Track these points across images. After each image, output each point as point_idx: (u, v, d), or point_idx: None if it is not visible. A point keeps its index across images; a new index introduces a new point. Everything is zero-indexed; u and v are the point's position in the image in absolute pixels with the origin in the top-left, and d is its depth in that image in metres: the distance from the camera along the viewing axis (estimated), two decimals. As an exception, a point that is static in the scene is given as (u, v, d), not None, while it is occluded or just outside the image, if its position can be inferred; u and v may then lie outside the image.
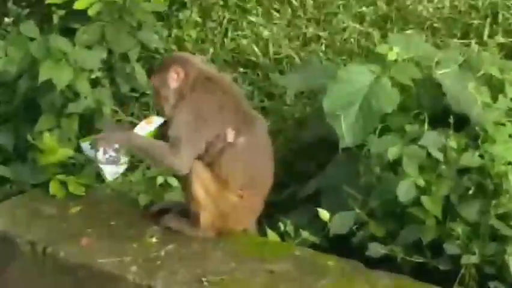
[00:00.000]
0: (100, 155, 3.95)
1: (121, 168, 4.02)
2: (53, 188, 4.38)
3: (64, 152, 4.48)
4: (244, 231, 4.05)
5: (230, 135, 3.91)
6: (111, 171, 4.01)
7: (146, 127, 4.00)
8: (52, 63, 4.63)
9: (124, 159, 3.99)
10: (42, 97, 4.72)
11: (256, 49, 5.74)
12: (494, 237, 3.87)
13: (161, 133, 3.98)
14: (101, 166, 3.98)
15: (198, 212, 3.94)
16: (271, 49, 5.73)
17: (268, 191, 4.06)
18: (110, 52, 5.12)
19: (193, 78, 3.95)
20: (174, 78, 3.97)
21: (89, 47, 4.97)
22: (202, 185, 3.90)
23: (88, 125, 4.84)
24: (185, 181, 3.94)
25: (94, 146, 3.97)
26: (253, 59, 5.73)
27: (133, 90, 5.28)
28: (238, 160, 3.91)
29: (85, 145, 4.05)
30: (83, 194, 4.36)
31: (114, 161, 3.96)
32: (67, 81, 4.62)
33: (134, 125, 5.19)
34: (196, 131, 3.88)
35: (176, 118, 3.92)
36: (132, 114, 5.31)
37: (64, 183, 4.39)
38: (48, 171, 4.45)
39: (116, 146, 3.94)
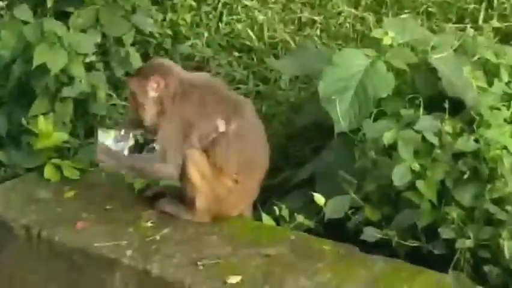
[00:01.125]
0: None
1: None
2: (48, 172, 4.37)
3: (59, 136, 4.47)
4: (240, 215, 4.05)
5: (221, 125, 3.92)
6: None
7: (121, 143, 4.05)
8: (46, 47, 4.61)
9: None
10: (36, 81, 4.70)
11: (251, 33, 5.73)
12: (489, 221, 3.88)
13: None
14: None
15: (194, 197, 3.94)
16: (266, 33, 5.72)
17: (264, 175, 4.06)
18: (104, 36, 5.10)
19: (173, 89, 3.96)
20: (154, 88, 3.97)
21: (83, 31, 4.95)
22: (198, 170, 3.91)
23: (83, 109, 4.83)
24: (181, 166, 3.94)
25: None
26: (248, 43, 5.73)
27: (127, 74, 5.25)
28: (231, 148, 3.92)
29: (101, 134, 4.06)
30: (78, 178, 4.35)
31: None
32: (62, 65, 4.60)
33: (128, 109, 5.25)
34: (183, 137, 3.89)
35: (161, 129, 3.94)
36: (126, 99, 5.29)
37: (58, 167, 4.38)
38: (43, 156, 4.44)
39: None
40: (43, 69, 4.59)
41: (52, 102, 4.71)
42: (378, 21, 5.53)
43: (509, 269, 3.74)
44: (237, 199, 3.99)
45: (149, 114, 3.99)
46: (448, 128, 4.03)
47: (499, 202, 3.87)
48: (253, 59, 5.64)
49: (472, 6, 5.58)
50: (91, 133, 4.84)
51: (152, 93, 3.98)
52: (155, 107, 3.97)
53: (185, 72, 4.10)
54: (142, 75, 4.03)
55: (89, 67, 4.89)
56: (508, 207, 3.83)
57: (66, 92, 4.69)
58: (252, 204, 4.15)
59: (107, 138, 4.05)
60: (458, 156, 3.98)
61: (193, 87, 3.99)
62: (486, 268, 3.78)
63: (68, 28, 4.78)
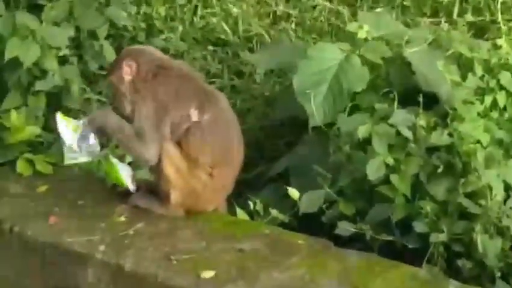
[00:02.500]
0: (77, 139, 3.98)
1: (83, 159, 4.00)
2: (21, 166, 4.34)
3: (32, 130, 4.44)
4: (214, 210, 4.04)
5: (194, 115, 3.90)
6: (72, 156, 3.99)
7: (129, 178, 4.02)
8: (19, 40, 4.56)
9: (95, 150, 3.99)
10: (8, 75, 4.64)
11: (225, 27, 5.71)
12: (463, 215, 3.89)
13: None
14: (64, 148, 3.96)
15: (168, 191, 3.92)
16: (240, 27, 5.71)
17: (239, 169, 4.04)
18: (78, 29, 5.05)
19: (145, 69, 3.94)
20: (128, 72, 3.95)
21: (56, 24, 4.89)
22: (172, 164, 3.89)
23: (56, 103, 4.79)
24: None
25: (89, 128, 3.97)
26: (223, 36, 5.71)
27: (101, 68, 5.22)
28: (205, 137, 3.90)
29: (60, 119, 4.02)
30: (51, 172, 4.32)
31: (90, 152, 3.98)
32: (34, 59, 4.55)
33: (102, 103, 5.22)
34: (158, 120, 3.87)
35: (137, 112, 3.91)
36: (100, 93, 5.27)
37: (31, 162, 4.35)
38: (15, 150, 4.40)
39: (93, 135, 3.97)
40: (15, 62, 4.54)
41: (25, 96, 4.67)
42: (353, 15, 5.53)
43: (482, 262, 3.76)
44: (211, 194, 3.98)
45: (128, 100, 3.96)
46: (422, 122, 4.04)
47: (472, 196, 3.89)
48: (227, 52, 5.62)
49: (446, 0, 5.59)
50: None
51: (127, 77, 3.95)
52: (131, 90, 3.94)
53: (161, 55, 4.08)
54: (115, 64, 4.04)
55: (63, 61, 4.84)
56: (481, 201, 3.84)
57: (39, 85, 4.65)
58: (227, 198, 4.13)
59: (67, 126, 4.02)
60: (432, 150, 3.99)
61: (168, 69, 3.97)
62: (459, 262, 3.80)
63: (41, 21, 4.73)
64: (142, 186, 4.08)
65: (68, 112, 4.80)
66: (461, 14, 5.44)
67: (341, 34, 5.37)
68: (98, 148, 4.02)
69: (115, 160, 4.01)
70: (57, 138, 4.16)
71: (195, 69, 4.64)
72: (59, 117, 4.05)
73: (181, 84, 3.94)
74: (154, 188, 3.99)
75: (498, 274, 3.74)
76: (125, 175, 3.99)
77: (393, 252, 3.86)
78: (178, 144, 3.90)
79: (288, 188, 4.11)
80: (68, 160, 4.01)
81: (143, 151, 3.89)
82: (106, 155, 4.02)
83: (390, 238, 3.94)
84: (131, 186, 4.01)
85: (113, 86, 4.02)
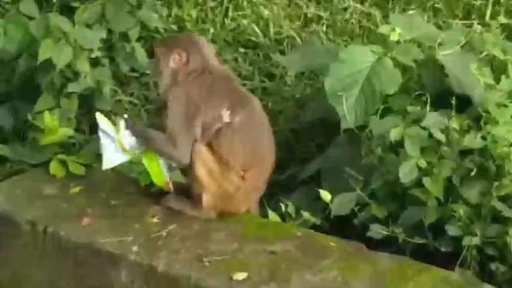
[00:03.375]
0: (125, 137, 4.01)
1: (120, 159, 4.02)
2: (53, 167, 4.36)
3: (64, 132, 4.47)
4: (246, 212, 4.04)
5: (226, 116, 3.91)
6: (110, 159, 4.01)
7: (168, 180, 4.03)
8: (52, 42, 4.60)
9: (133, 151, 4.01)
10: (41, 77, 4.69)
11: (256, 29, 5.71)
12: (496, 218, 3.87)
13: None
14: (103, 151, 3.98)
15: (200, 193, 3.93)
16: (271, 29, 5.71)
17: (270, 171, 4.05)
18: (110, 31, 5.09)
19: (192, 66, 3.95)
20: (176, 60, 3.96)
21: (89, 26, 4.94)
22: (205, 166, 3.90)
23: (88, 104, 4.82)
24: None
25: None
26: (254, 39, 5.71)
27: (133, 70, 5.25)
28: (236, 139, 3.91)
29: (101, 117, 4.05)
30: (84, 173, 4.34)
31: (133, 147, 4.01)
32: (67, 61, 4.60)
33: (134, 104, 5.24)
34: (190, 118, 3.88)
35: (169, 108, 3.92)
36: (132, 95, 5.29)
37: (64, 163, 4.37)
38: (48, 151, 4.43)
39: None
40: (48, 64, 4.58)
41: (57, 97, 4.71)
42: (385, 17, 5.51)
43: (516, 266, 3.74)
44: (243, 196, 3.98)
45: (164, 83, 4.00)
46: (454, 124, 4.02)
47: (506, 199, 3.87)
48: (259, 54, 5.62)
49: (478, 2, 5.56)
50: (96, 129, 4.83)
51: (172, 65, 3.97)
52: (171, 79, 3.97)
53: (210, 54, 4.09)
54: (168, 45, 4.04)
55: (95, 63, 4.87)
56: (515, 205, 3.82)
57: (71, 87, 4.68)
58: (258, 200, 4.13)
59: (108, 124, 4.05)
60: (465, 153, 3.98)
61: (210, 71, 3.98)
62: (493, 266, 3.78)
63: (74, 23, 4.77)
64: (176, 188, 4.09)
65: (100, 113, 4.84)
66: (493, 16, 5.41)
67: (373, 36, 5.36)
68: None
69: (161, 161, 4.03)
70: (95, 140, 4.19)
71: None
72: (100, 116, 4.06)
73: (215, 84, 3.95)
74: (186, 190, 4.00)
75: (532, 278, 3.72)
76: (165, 172, 4.01)
77: (425, 255, 3.85)
78: (209, 146, 3.91)
79: (319, 190, 4.10)
80: (107, 164, 4.02)
81: (174, 152, 3.91)
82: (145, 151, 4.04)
83: (422, 241, 3.92)
84: (170, 185, 4.02)
85: (157, 61, 4.03)
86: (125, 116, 4.11)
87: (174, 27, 5.68)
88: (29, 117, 4.55)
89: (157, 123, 4.03)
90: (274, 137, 4.09)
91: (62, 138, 4.47)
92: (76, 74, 4.70)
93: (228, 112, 3.92)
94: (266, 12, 5.79)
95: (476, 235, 3.81)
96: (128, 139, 4.02)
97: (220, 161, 3.91)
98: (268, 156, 4.04)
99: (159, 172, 4.01)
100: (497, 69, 4.27)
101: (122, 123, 4.03)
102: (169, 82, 3.98)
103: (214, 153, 3.91)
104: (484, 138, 3.96)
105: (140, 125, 4.12)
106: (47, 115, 4.45)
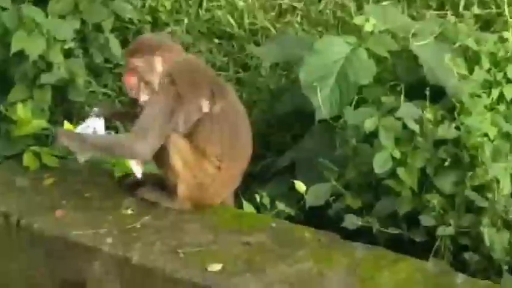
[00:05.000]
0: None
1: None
2: (27, 159, 4.33)
3: (37, 124, 4.44)
4: (221, 203, 4.03)
5: (205, 106, 3.90)
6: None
7: (137, 167, 3.99)
8: (25, 33, 4.57)
9: None
10: (14, 68, 4.66)
11: (231, 20, 5.70)
12: (470, 208, 3.89)
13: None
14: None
15: (175, 184, 3.92)
16: (246, 20, 5.70)
17: (247, 162, 4.04)
18: (83, 22, 5.05)
19: (174, 62, 3.92)
20: (160, 62, 3.91)
21: (62, 17, 4.90)
22: (180, 156, 3.88)
23: (62, 96, 4.79)
24: (161, 153, 3.91)
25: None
26: (229, 30, 5.70)
27: (106, 61, 5.22)
28: (214, 129, 3.90)
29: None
30: (57, 165, 4.32)
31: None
32: (40, 52, 4.57)
33: (107, 96, 5.21)
34: (170, 114, 3.84)
35: (149, 106, 3.87)
36: (106, 86, 5.27)
37: (37, 155, 4.34)
38: (21, 143, 4.41)
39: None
40: (21, 55, 4.55)
41: (30, 89, 4.67)
42: (359, 8, 5.52)
43: (489, 256, 3.76)
44: (219, 187, 3.97)
45: (150, 90, 3.91)
46: (428, 115, 4.04)
47: (479, 189, 3.89)
48: (233, 45, 5.61)
49: (452, -7, 5.58)
50: (70, 120, 4.80)
51: (159, 68, 3.92)
52: (159, 81, 3.90)
53: (181, 49, 4.07)
54: (146, 51, 3.93)
55: (68, 54, 4.84)
56: (489, 195, 3.84)
57: (44, 78, 4.65)
58: (233, 191, 4.13)
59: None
60: (439, 143, 3.99)
61: (188, 65, 3.96)
62: (466, 255, 3.80)
63: (47, 14, 4.73)
64: (150, 179, 4.07)
65: (73, 104, 4.83)
66: (467, 7, 5.43)
67: (347, 27, 5.36)
68: None
69: None
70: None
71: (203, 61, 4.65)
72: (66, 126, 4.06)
73: (195, 75, 3.93)
74: (161, 182, 3.99)
75: (505, 267, 3.74)
76: (134, 167, 3.99)
77: (399, 245, 3.86)
78: (187, 136, 3.89)
79: (294, 181, 4.10)
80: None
81: (138, 148, 3.82)
82: None
83: (396, 231, 3.94)
84: (138, 173, 4.00)
85: (137, 73, 3.94)
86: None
87: (148, 18, 5.66)
88: (2, 108, 4.51)
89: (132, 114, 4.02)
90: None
91: (35, 129, 4.44)
92: (49, 65, 4.67)
93: (207, 102, 3.90)
94: (241, 3, 5.78)
95: (450, 225, 3.83)
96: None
97: (197, 152, 3.90)
98: (246, 148, 4.03)
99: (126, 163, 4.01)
100: (471, 59, 4.28)
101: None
102: (155, 86, 3.92)
103: (191, 144, 3.89)
104: (457, 128, 3.97)
105: (84, 135, 3.98)
106: (20, 106, 4.42)
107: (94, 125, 4.02)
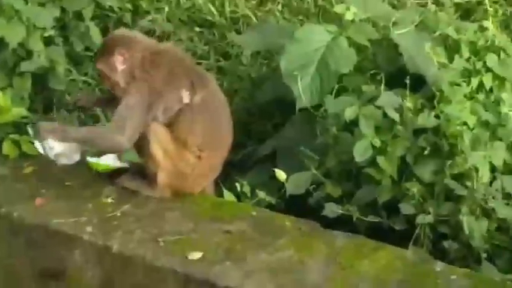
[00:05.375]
0: (49, 151, 3.94)
1: (72, 161, 3.99)
2: (6, 147, 4.31)
3: (17, 112, 4.41)
4: (202, 191, 4.03)
5: (185, 96, 3.89)
6: (61, 160, 3.99)
7: (116, 161, 4.03)
8: (4, 20, 4.54)
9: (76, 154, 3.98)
10: (-7, 55, 4.64)
11: (212, 8, 5.69)
12: (449, 197, 3.91)
13: None
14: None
15: (155, 172, 3.91)
16: (227, 8, 5.68)
17: (228, 151, 4.04)
18: (63, 10, 5.03)
19: (140, 56, 3.91)
20: (120, 61, 3.91)
21: (42, 5, 4.86)
22: (160, 145, 3.87)
23: (42, 84, 4.77)
24: (142, 141, 3.90)
25: (40, 140, 3.93)
26: (209, 18, 5.68)
27: (87, 49, 5.20)
28: (195, 119, 3.89)
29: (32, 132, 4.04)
30: (37, 154, 4.29)
31: (65, 156, 3.97)
32: (20, 39, 4.54)
33: (88, 84, 5.19)
34: (149, 106, 3.84)
35: (127, 96, 3.87)
36: (86, 74, 5.24)
37: (17, 143, 4.32)
38: (1, 131, 4.38)
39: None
40: (1, 43, 4.52)
41: (10, 77, 4.65)
42: (340, -3, 5.52)
43: (468, 244, 3.78)
44: (199, 176, 3.97)
45: (122, 87, 3.92)
46: (409, 104, 4.05)
47: (458, 178, 3.91)
48: (214, 34, 5.60)
49: (433, -19, 5.59)
50: (50, 108, 4.79)
51: (120, 67, 3.92)
52: (125, 79, 3.92)
53: (150, 40, 4.06)
54: (106, 52, 3.96)
55: (48, 41, 4.82)
56: (468, 183, 3.86)
57: (24, 66, 4.62)
58: (214, 180, 4.13)
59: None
60: (418, 132, 4.01)
61: (161, 54, 3.94)
62: (446, 243, 3.82)
63: (26, 1, 4.70)
64: (130, 167, 4.07)
65: (53, 93, 4.80)
66: (448, -5, 5.44)
67: (328, 16, 5.36)
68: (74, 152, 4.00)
69: (93, 160, 4.00)
70: (48, 119, 4.15)
71: (183, 50, 4.63)
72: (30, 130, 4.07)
73: (173, 66, 3.92)
74: (141, 170, 3.98)
75: (484, 255, 3.76)
76: (111, 164, 3.98)
77: (379, 233, 3.88)
78: (168, 125, 3.88)
79: (275, 169, 4.11)
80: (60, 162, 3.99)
81: (117, 138, 3.82)
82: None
83: (376, 220, 3.95)
84: (124, 164, 3.99)
85: (103, 73, 3.98)
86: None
87: (129, 5, 5.63)
88: (-19, 96, 4.49)
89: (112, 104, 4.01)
90: (231, 117, 4.08)
91: (15, 118, 4.41)
92: (29, 53, 4.64)
93: (188, 93, 3.89)
94: (222, -9, 5.76)
95: (430, 213, 3.84)
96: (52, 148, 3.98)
97: (177, 141, 3.89)
98: (226, 137, 4.03)
99: (105, 168, 4.00)
100: (451, 48, 4.30)
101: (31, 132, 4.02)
102: (125, 82, 3.92)
103: (172, 134, 3.89)
104: (437, 117, 3.99)
105: (67, 125, 4.04)
106: (-1, 95, 4.40)
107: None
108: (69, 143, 3.93)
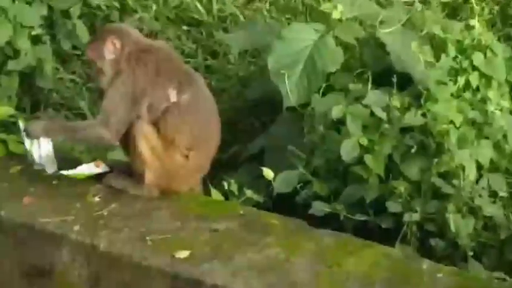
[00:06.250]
0: (36, 156, 3.99)
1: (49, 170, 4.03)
2: (-7, 146, 4.31)
3: (5, 110, 4.41)
4: (189, 190, 4.03)
5: (172, 95, 3.89)
6: (51, 167, 4.02)
7: (92, 168, 4.02)
8: (-9, 19, 4.54)
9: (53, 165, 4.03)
10: (-20, 54, 4.63)
11: (199, 6, 5.69)
12: (436, 195, 3.93)
13: None
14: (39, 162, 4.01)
15: (143, 171, 3.91)
16: (215, 6, 5.69)
17: (215, 150, 4.04)
18: (50, 8, 5.02)
19: (129, 50, 3.91)
20: (110, 50, 3.92)
21: (28, 3, 4.86)
22: (148, 144, 3.87)
23: (29, 82, 4.76)
24: (129, 140, 3.90)
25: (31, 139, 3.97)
26: (197, 16, 5.68)
27: (74, 47, 5.19)
28: (183, 118, 3.89)
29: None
30: (24, 153, 4.29)
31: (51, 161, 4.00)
32: (6, 38, 4.54)
33: (75, 82, 5.19)
34: (134, 101, 3.85)
35: (111, 90, 3.89)
36: (74, 72, 5.24)
37: (4, 142, 4.31)
38: (-12, 130, 4.38)
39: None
40: (-13, 42, 4.52)
41: (-3, 75, 4.64)
42: (327, -5, 5.52)
43: (455, 242, 3.80)
44: (186, 175, 3.97)
45: (107, 77, 3.93)
46: (395, 102, 4.06)
47: (445, 176, 3.93)
48: (202, 32, 5.60)
49: (419, -20, 5.60)
50: (37, 107, 4.78)
51: (109, 55, 3.92)
52: (112, 70, 3.92)
53: (141, 36, 4.07)
54: (97, 39, 3.98)
55: (35, 40, 4.81)
56: (454, 181, 3.88)
57: (11, 65, 4.62)
58: (202, 178, 4.13)
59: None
60: (405, 130, 4.02)
61: (149, 51, 3.95)
62: (432, 241, 3.84)
63: (13, 0, 4.69)
64: (117, 166, 4.06)
65: (41, 91, 4.80)
66: (434, -6, 5.45)
67: (315, 14, 5.37)
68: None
69: (68, 173, 4.00)
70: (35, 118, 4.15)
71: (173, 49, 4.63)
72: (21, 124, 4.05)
73: (160, 65, 3.92)
74: (129, 169, 3.98)
75: (470, 253, 3.79)
76: (88, 172, 3.99)
77: (367, 232, 3.89)
78: (155, 124, 3.89)
79: (262, 168, 4.11)
80: (50, 170, 4.03)
81: (103, 131, 3.86)
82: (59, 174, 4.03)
83: (364, 218, 3.97)
84: (101, 170, 4.01)
85: (90, 59, 3.98)
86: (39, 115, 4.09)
87: (116, 4, 5.62)
88: (-32, 95, 4.48)
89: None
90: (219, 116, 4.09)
91: (2, 117, 4.40)
92: (16, 52, 4.64)
93: (175, 91, 3.90)
94: (209, -11, 5.76)
95: (416, 211, 3.86)
96: (40, 149, 4.00)
97: (165, 140, 3.89)
98: (214, 136, 4.03)
99: (84, 177, 4.02)
100: (437, 47, 4.31)
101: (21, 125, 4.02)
102: (112, 73, 3.92)
103: (159, 132, 3.89)
104: (424, 115, 4.01)
105: (55, 120, 4.06)
106: (-14, 93, 4.40)
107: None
108: (47, 154, 3.95)
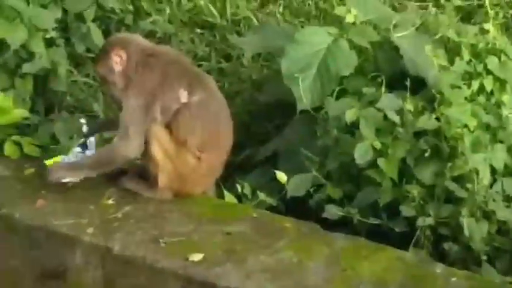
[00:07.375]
0: None
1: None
2: (8, 149, 4.32)
3: (19, 113, 4.42)
4: (203, 193, 4.04)
5: (183, 96, 3.90)
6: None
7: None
8: (5, 22, 4.53)
9: None
10: (-4, 57, 4.64)
11: (213, 10, 5.70)
12: (449, 199, 3.92)
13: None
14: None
15: (156, 174, 3.92)
16: (228, 10, 5.69)
17: (228, 152, 4.05)
18: (65, 11, 5.03)
19: (136, 58, 3.93)
20: (117, 62, 3.94)
21: (43, 6, 4.87)
22: (161, 147, 3.89)
23: (43, 85, 4.77)
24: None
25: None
26: (211, 19, 5.69)
27: (88, 50, 5.20)
28: (194, 118, 3.91)
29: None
30: (38, 155, 4.31)
31: None
32: (21, 41, 4.53)
33: (89, 86, 5.20)
34: (147, 108, 3.87)
35: (125, 103, 3.92)
36: (88, 75, 5.25)
37: (18, 144, 4.33)
38: (2, 132, 4.38)
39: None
40: (2, 44, 4.52)
41: (12, 78, 4.64)
42: (341, -1, 5.53)
43: (469, 246, 3.79)
44: (200, 177, 3.98)
45: (119, 89, 3.96)
46: (409, 106, 4.06)
47: (459, 180, 3.92)
48: (215, 35, 5.61)
49: (433, -16, 5.60)
50: (51, 110, 4.79)
51: (117, 67, 3.94)
52: (122, 81, 3.94)
53: (146, 41, 4.09)
54: (103, 54, 4.00)
55: (50, 43, 4.81)
56: (468, 185, 3.87)
57: (26, 68, 4.62)
58: (215, 181, 4.13)
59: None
60: (419, 134, 4.01)
61: (156, 56, 3.96)
62: (446, 245, 3.83)
63: (28, 3, 4.70)
64: (131, 169, 4.08)
65: (55, 94, 4.81)
66: (448, -2, 5.46)
67: (329, 18, 5.37)
68: None
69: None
70: (50, 121, 4.16)
71: (182, 52, 4.64)
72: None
73: (169, 69, 3.93)
74: (142, 171, 3.99)
75: (484, 257, 3.78)
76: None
77: (380, 236, 3.88)
78: (167, 127, 3.90)
79: (276, 171, 4.12)
80: None
81: (127, 149, 3.89)
82: None
83: (377, 222, 3.96)
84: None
85: (101, 76, 4.01)
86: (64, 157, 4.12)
87: (130, 7, 5.64)
88: (-17, 98, 4.49)
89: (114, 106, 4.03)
90: (232, 119, 4.09)
91: (16, 119, 4.41)
92: (31, 55, 4.64)
93: (186, 92, 3.91)
94: (223, -8, 5.77)
95: (430, 215, 3.85)
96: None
97: (177, 142, 3.91)
98: (226, 137, 4.04)
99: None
100: (451, 51, 4.31)
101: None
102: (123, 85, 3.95)
103: (172, 134, 3.90)
104: (437, 119, 4.00)
105: (76, 162, 4.07)
106: (1, 96, 4.40)
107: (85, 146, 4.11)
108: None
